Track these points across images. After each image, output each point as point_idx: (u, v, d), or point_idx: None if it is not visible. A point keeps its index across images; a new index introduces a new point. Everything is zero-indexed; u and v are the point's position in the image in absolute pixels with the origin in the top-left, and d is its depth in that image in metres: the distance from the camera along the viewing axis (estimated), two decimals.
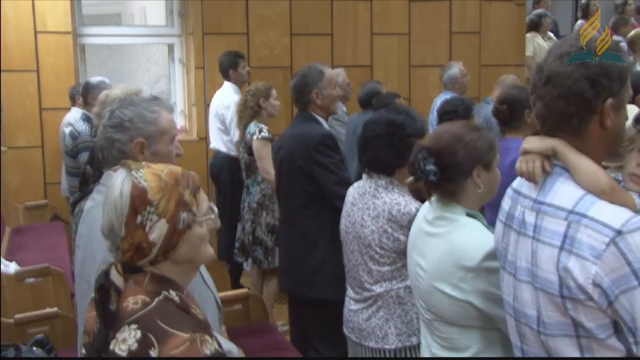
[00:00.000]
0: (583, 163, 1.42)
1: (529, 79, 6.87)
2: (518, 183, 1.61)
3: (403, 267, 2.42)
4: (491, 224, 2.04)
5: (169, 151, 1.90)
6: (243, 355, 1.91)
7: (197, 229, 1.41)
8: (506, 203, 1.63)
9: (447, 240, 1.89)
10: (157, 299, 1.32)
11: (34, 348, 2.90)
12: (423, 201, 2.14)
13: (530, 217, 1.49)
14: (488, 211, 2.98)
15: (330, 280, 3.09)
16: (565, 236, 1.37)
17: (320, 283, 3.14)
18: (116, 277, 1.35)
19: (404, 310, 2.44)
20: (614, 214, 1.34)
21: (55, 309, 3.28)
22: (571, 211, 1.38)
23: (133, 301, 1.31)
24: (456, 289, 1.84)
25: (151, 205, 1.34)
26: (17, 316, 3.19)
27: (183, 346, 1.25)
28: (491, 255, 1.77)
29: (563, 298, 1.38)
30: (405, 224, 2.38)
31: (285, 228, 3.43)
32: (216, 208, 1.50)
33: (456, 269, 1.84)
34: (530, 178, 1.50)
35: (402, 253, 2.39)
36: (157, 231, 1.35)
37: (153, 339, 1.25)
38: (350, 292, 2.63)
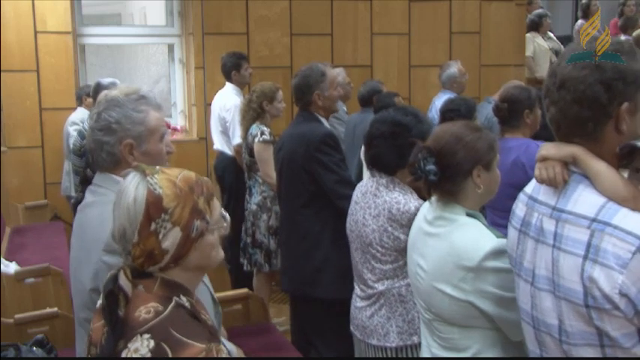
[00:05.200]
0: (604, 171, 1.39)
1: (529, 80, 6.87)
2: (532, 189, 1.57)
3: (405, 265, 2.41)
4: (491, 224, 2.04)
5: (160, 150, 1.86)
6: (243, 355, 1.90)
7: (209, 236, 1.40)
8: (520, 210, 1.60)
9: (447, 240, 1.89)
10: (169, 307, 1.30)
11: (34, 348, 2.90)
12: (424, 200, 2.13)
13: (549, 225, 1.46)
14: (488, 211, 2.98)
15: (334, 279, 3.09)
16: (589, 245, 1.34)
17: (323, 282, 3.13)
18: (125, 283, 1.33)
19: (405, 308, 2.44)
20: (639, 222, 1.31)
21: (55, 309, 3.28)
22: (594, 220, 1.35)
23: (145, 311, 1.29)
24: (456, 290, 1.84)
25: (166, 212, 1.33)
26: (17, 316, 3.19)
27: (199, 356, 1.24)
28: (491, 255, 1.77)
29: (588, 308, 1.35)
30: (404, 223, 2.38)
31: (286, 227, 3.42)
32: (228, 216, 1.49)
33: (456, 269, 1.84)
34: (552, 184, 1.46)
35: (403, 252, 2.39)
36: (170, 239, 1.33)
37: (167, 348, 1.23)
38: (356, 290, 2.64)
